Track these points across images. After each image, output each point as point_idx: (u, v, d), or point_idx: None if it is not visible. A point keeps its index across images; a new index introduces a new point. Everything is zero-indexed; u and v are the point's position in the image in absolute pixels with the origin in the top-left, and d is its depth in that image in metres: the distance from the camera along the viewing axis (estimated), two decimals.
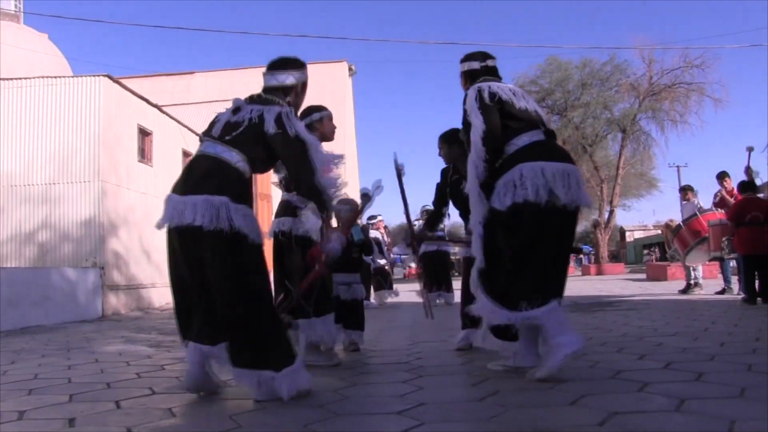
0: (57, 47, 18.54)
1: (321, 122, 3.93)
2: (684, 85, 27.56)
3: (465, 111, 3.15)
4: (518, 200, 2.87)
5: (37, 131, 11.57)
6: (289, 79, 2.97)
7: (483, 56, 3.39)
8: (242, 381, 2.65)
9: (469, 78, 3.34)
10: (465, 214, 4.24)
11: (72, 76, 12.73)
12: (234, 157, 2.72)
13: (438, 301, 9.44)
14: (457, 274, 8.41)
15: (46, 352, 5.18)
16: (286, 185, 3.75)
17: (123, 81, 12.75)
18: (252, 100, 2.90)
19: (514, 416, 2.21)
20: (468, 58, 3.41)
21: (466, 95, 3.18)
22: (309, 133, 2.84)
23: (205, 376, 2.82)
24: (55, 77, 12.29)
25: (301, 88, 3.03)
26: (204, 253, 2.61)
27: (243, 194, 2.72)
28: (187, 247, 2.65)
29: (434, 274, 9.70)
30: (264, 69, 3.02)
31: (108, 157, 11.61)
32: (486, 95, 3.07)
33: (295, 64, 3.02)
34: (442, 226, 10.03)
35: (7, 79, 12.05)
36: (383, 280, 11.18)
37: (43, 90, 11.74)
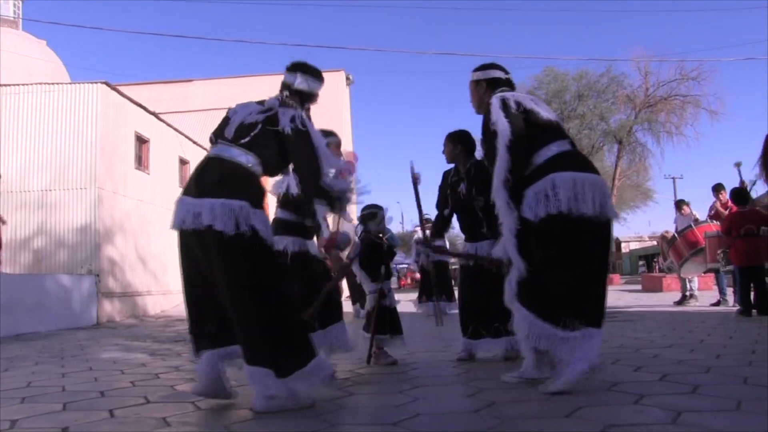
0: (55, 53, 18.58)
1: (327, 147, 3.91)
2: (680, 97, 27.75)
3: (486, 121, 3.05)
4: (552, 211, 2.79)
5: (34, 137, 11.57)
6: (318, 89, 3.07)
7: (505, 69, 3.31)
8: (253, 379, 2.59)
9: (490, 87, 3.25)
10: (460, 216, 4.25)
11: (70, 83, 12.76)
12: (250, 161, 2.74)
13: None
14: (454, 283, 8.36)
15: (40, 359, 5.15)
16: (282, 201, 3.71)
17: (121, 88, 12.77)
18: (282, 103, 2.90)
19: (509, 428, 2.21)
20: (489, 67, 3.32)
21: (489, 105, 3.07)
22: (320, 137, 2.87)
23: (219, 382, 2.79)
24: (53, 83, 12.31)
25: (316, 101, 3.10)
26: (220, 256, 2.59)
27: (260, 199, 2.75)
28: (202, 249, 2.63)
29: (434, 283, 9.64)
30: (292, 66, 3.04)
31: (105, 164, 11.60)
32: (512, 104, 2.99)
33: (323, 76, 3.12)
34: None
35: (5, 85, 12.05)
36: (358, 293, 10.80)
37: (40, 96, 11.75)
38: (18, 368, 4.54)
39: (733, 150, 65.48)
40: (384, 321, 4.15)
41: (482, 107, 3.24)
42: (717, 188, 8.99)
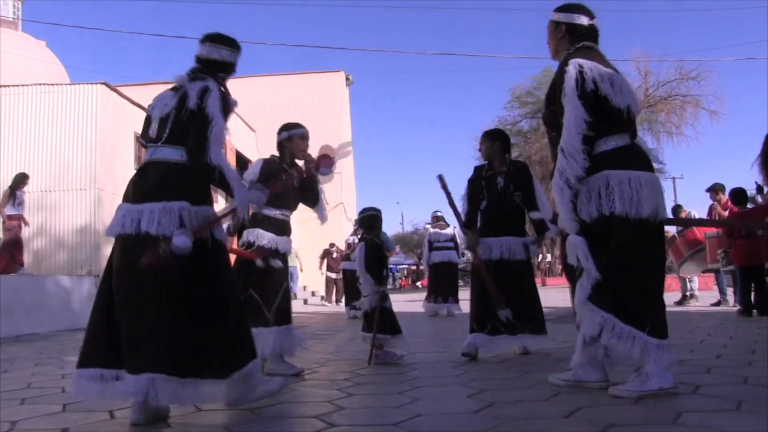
0: (55, 54, 18.58)
1: (290, 140, 3.94)
2: (680, 97, 27.77)
3: (556, 87, 2.81)
4: (604, 212, 2.65)
5: (34, 138, 11.57)
6: (231, 58, 2.91)
7: (590, 12, 2.94)
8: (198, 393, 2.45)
9: (569, 33, 2.93)
10: (495, 208, 4.26)
11: (69, 84, 12.77)
12: (183, 156, 2.63)
13: (443, 311, 9.37)
14: (462, 283, 8.16)
15: (40, 360, 5.14)
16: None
17: (120, 89, 12.77)
18: (191, 77, 2.78)
19: (509, 428, 2.21)
20: (572, 9, 2.97)
21: (564, 68, 2.78)
22: (219, 112, 2.67)
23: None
24: (53, 84, 12.32)
25: (233, 70, 2.96)
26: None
27: (201, 195, 2.64)
28: (139, 255, 2.46)
29: (441, 284, 9.62)
30: (202, 38, 2.91)
31: (104, 165, 11.60)
32: (589, 81, 2.69)
33: (237, 44, 2.97)
34: (451, 233, 10.00)
35: (5, 86, 12.06)
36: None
37: (40, 97, 11.75)
38: (18, 369, 4.53)
39: (732, 149, 65.50)
40: (385, 322, 4.16)
41: (558, 54, 3.00)
42: (714, 189, 8.87)
